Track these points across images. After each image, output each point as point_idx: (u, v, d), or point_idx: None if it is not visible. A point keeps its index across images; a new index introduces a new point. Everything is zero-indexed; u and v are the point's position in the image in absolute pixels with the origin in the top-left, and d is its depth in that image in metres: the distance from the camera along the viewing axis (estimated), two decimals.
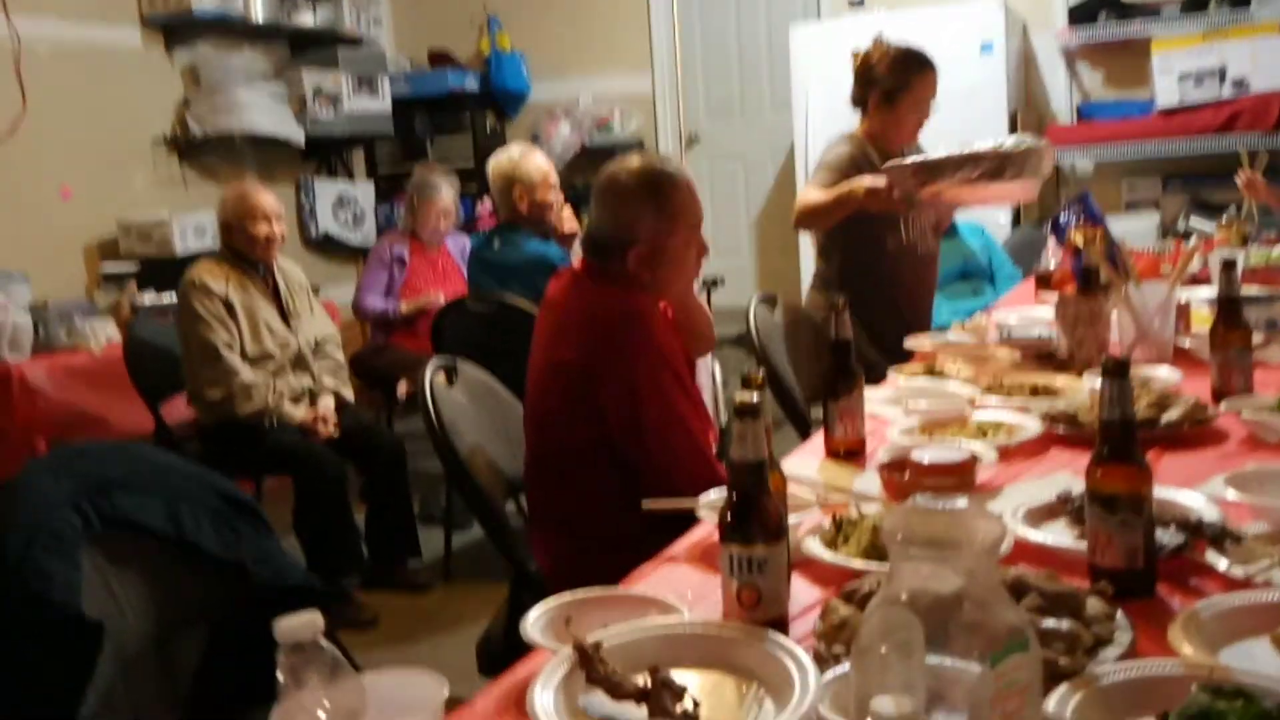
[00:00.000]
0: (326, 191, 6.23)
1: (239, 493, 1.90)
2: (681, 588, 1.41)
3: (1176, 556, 1.33)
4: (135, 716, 1.73)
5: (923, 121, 3.31)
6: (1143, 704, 1.01)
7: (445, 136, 6.61)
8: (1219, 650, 1.13)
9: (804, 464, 1.91)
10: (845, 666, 1.07)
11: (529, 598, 2.12)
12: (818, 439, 2.06)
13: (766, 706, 1.04)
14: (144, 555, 1.71)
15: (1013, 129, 5.61)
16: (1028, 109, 5.93)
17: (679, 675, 1.07)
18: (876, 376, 2.47)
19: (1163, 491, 1.47)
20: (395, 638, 3.49)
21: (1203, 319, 2.78)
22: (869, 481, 1.75)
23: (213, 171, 5.63)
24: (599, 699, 1.05)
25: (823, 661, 1.12)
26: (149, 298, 4.65)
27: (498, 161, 3.98)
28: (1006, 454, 1.85)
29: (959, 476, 0.80)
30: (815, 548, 1.45)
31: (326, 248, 6.28)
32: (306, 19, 5.96)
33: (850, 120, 3.37)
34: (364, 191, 6.44)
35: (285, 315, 3.76)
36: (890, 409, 2.20)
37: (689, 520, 1.63)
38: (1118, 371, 1.27)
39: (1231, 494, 1.49)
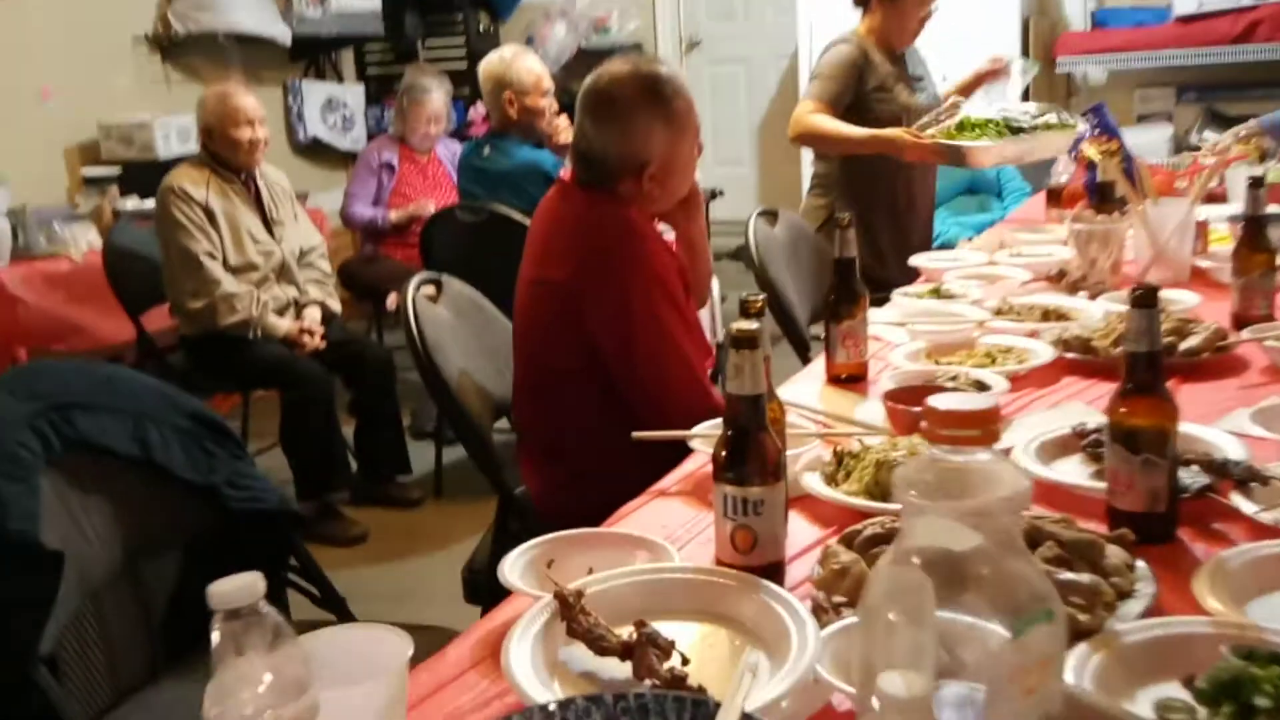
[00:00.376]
0: (315, 94, 6.04)
1: (210, 413, 1.81)
2: (673, 525, 1.33)
3: (1200, 498, 1.25)
4: (107, 644, 1.67)
5: (926, 20, 3.18)
6: (1168, 666, 0.94)
7: (437, 37, 6.40)
8: (1246, 603, 1.05)
9: (804, 390, 1.83)
10: (846, 620, 0.99)
11: (516, 524, 2.06)
12: (818, 363, 1.97)
13: (762, 663, 0.96)
14: (109, 478, 1.63)
15: (1024, 36, 5.42)
16: (1040, 15, 5.72)
17: (667, 627, 0.99)
18: (877, 293, 2.38)
19: (1183, 427, 1.38)
20: (384, 555, 3.45)
21: (1220, 238, 2.68)
22: (872, 410, 1.67)
23: (196, 72, 5.44)
24: (580, 653, 0.97)
25: (821, 612, 1.04)
26: (131, 203, 4.51)
27: (488, 64, 3.82)
28: (1016, 381, 1.77)
29: (981, 427, 0.70)
30: (814, 484, 1.37)
31: (315, 152, 6.11)
32: None
33: (854, 23, 3.23)
34: (354, 94, 6.26)
35: (269, 224, 3.64)
36: (894, 331, 2.11)
37: (683, 448, 1.55)
38: (1147, 301, 1.18)
39: (1258, 430, 1.40)
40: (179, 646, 1.74)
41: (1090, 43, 5.49)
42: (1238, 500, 1.24)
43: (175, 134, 4.83)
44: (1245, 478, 1.26)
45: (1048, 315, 2.14)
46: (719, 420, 1.40)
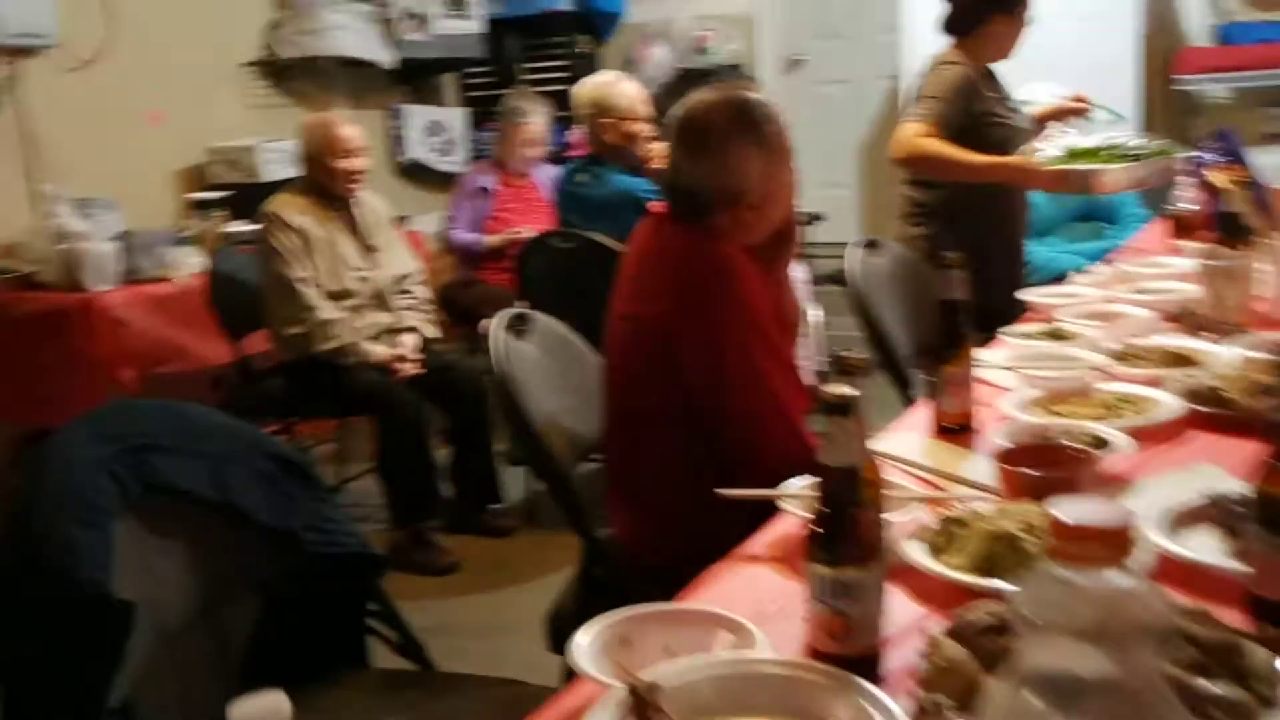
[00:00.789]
0: (417, 117, 6.08)
1: (290, 453, 1.78)
2: (761, 599, 1.23)
3: None
4: (184, 691, 1.64)
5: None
6: None
7: (538, 60, 6.40)
8: None
9: (906, 442, 1.71)
10: None
11: (600, 570, 1.99)
12: (921, 410, 1.86)
13: None
14: (187, 523, 1.60)
15: (1142, 52, 5.20)
16: (1159, 31, 5.48)
17: None
18: (984, 328, 2.26)
19: None
20: (474, 586, 3.41)
21: None
22: (981, 468, 1.55)
23: (301, 95, 5.51)
24: None
25: (925, 717, 0.94)
26: (236, 226, 4.57)
27: (585, 88, 3.78)
28: (1140, 436, 1.63)
29: (1114, 546, 0.60)
30: (917, 555, 1.26)
31: (416, 175, 6.15)
32: None
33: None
34: (455, 117, 6.29)
35: (366, 250, 3.64)
36: (1005, 375, 1.98)
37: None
38: None
39: None
40: (258, 690, 1.70)
41: (1213, 59, 5.23)
42: None
43: (279, 157, 4.89)
44: None
45: (1171, 359, 1.99)
46: (811, 477, 1.30)
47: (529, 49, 6.38)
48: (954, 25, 3.09)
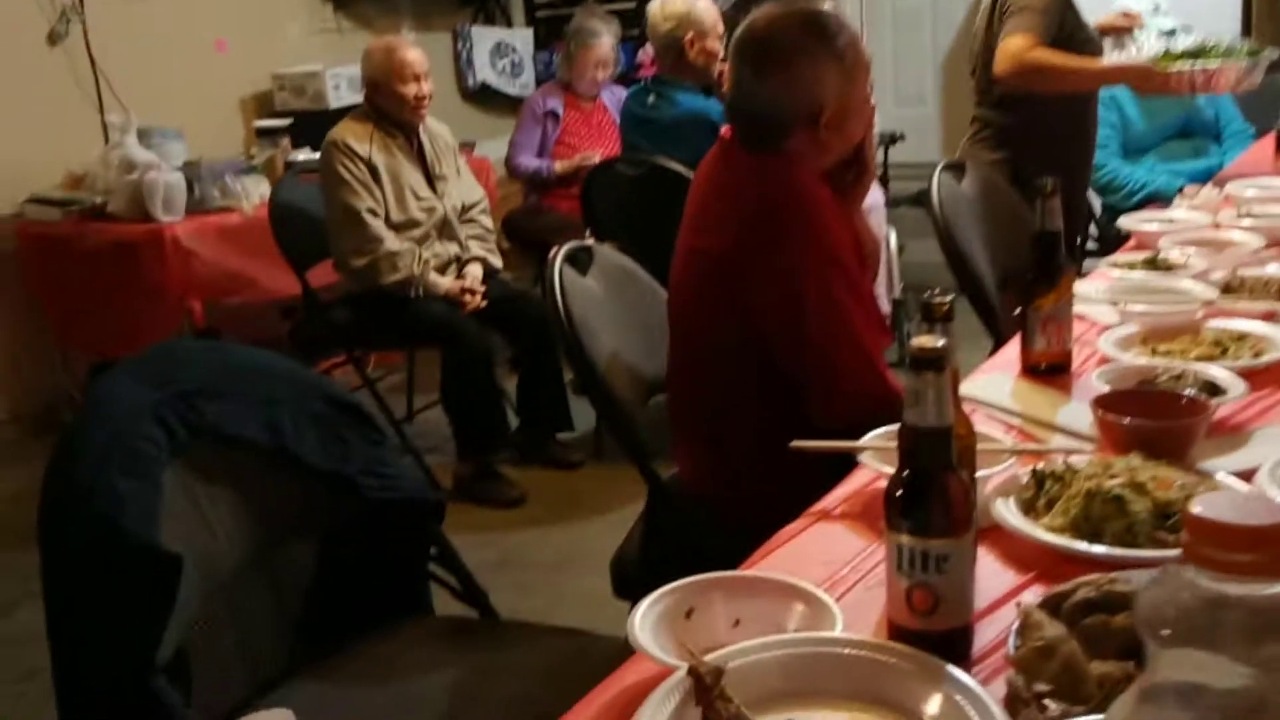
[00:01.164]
0: (484, 39, 5.95)
1: (344, 395, 1.72)
2: (836, 561, 1.14)
3: None
4: (242, 639, 1.60)
5: None
6: None
7: None
8: None
9: (994, 385, 1.59)
10: None
11: (667, 516, 1.91)
12: (1011, 349, 1.73)
13: None
14: (238, 469, 1.54)
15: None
16: None
17: (823, 717, 0.81)
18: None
19: None
20: (543, 518, 3.37)
21: None
22: (1078, 414, 1.43)
23: (367, 20, 5.42)
24: None
25: (1020, 704, 0.84)
26: (303, 155, 4.51)
27: (665, 4, 3.61)
28: (1253, 379, 1.49)
29: (1272, 553, 0.49)
30: (1009, 515, 1.15)
31: (484, 99, 6.04)
32: None
33: None
34: (523, 38, 6.14)
35: (431, 179, 3.56)
36: (1102, 310, 1.84)
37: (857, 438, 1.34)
38: None
39: None
40: (317, 639, 1.66)
41: None
42: None
43: (346, 83, 4.81)
44: None
45: None
46: (894, 427, 1.19)
47: None
48: None
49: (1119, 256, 2.17)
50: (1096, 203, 4.09)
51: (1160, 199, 3.53)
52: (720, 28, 3.59)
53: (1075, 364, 1.66)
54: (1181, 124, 4.02)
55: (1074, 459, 1.22)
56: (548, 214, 4.53)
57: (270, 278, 3.93)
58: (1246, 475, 1.20)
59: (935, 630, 0.93)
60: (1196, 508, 0.53)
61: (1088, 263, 3.96)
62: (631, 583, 1.88)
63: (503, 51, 6.00)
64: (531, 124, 4.63)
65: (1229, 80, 2.67)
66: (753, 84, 1.73)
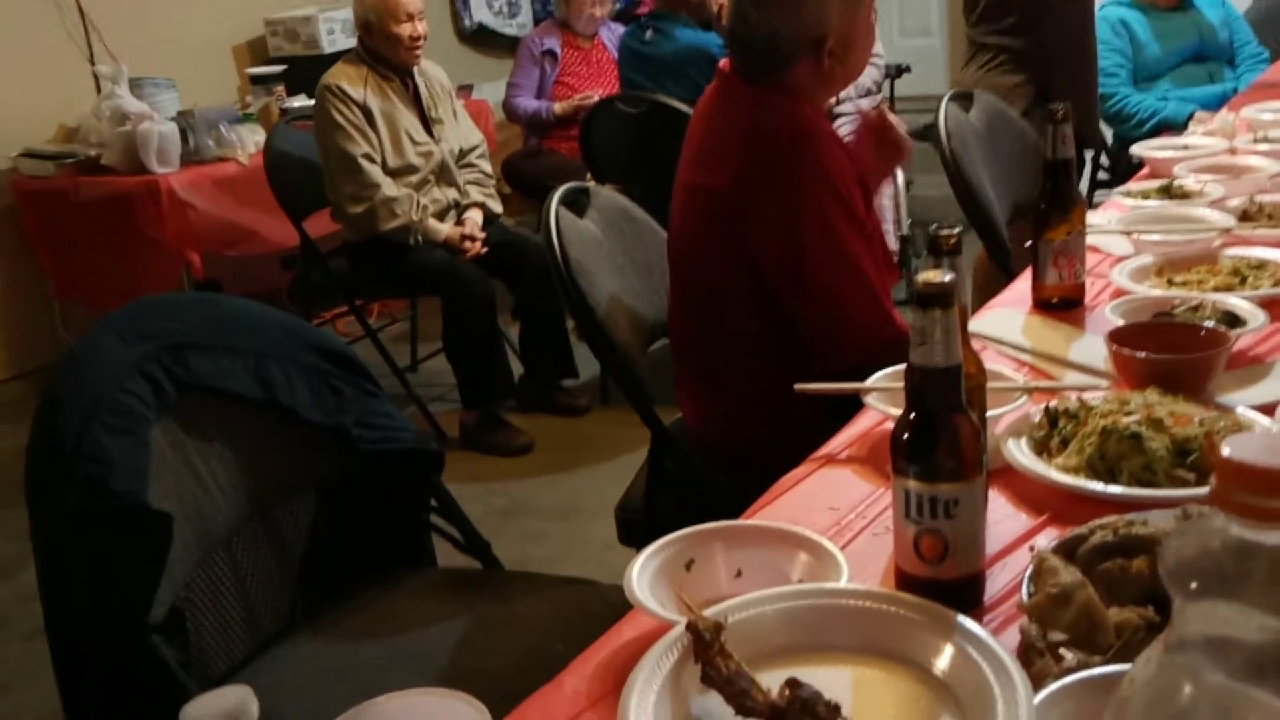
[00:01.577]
0: None
1: (339, 346, 1.67)
2: (841, 508, 1.10)
3: None
4: (242, 592, 1.58)
5: None
6: None
7: None
8: None
9: (1005, 320, 1.54)
10: (1069, 679, 0.75)
11: (671, 462, 1.87)
12: (1022, 283, 1.68)
13: None
14: (230, 423, 1.51)
15: None
16: None
17: (827, 675, 0.77)
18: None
19: None
20: (550, 466, 3.34)
21: None
22: (1091, 348, 1.38)
23: None
24: (719, 706, 0.77)
25: (1035, 654, 0.80)
26: (298, 102, 4.44)
27: None
28: (1274, 309, 1.44)
29: None
30: (1020, 455, 1.11)
31: (481, 40, 5.92)
32: None
33: None
34: None
35: (428, 123, 3.48)
36: (1115, 241, 1.79)
37: (862, 377, 1.29)
38: None
39: None
40: (318, 593, 1.64)
41: None
42: None
43: (340, 27, 4.72)
44: None
45: None
46: (900, 367, 1.15)
47: None
48: None
49: (1132, 185, 2.10)
50: (1107, 133, 4.00)
51: (1171, 127, 3.45)
52: None
53: (1088, 297, 1.61)
54: (1195, 48, 3.91)
55: (1088, 396, 1.18)
56: (548, 157, 4.45)
57: (269, 229, 3.88)
58: (1268, 409, 1.15)
59: (945, 578, 0.89)
60: (1227, 449, 0.49)
61: (1100, 193, 3.88)
62: (636, 530, 1.85)
63: None
64: (529, 65, 4.54)
65: None
66: (754, 11, 1.66)
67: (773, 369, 1.64)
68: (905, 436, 0.89)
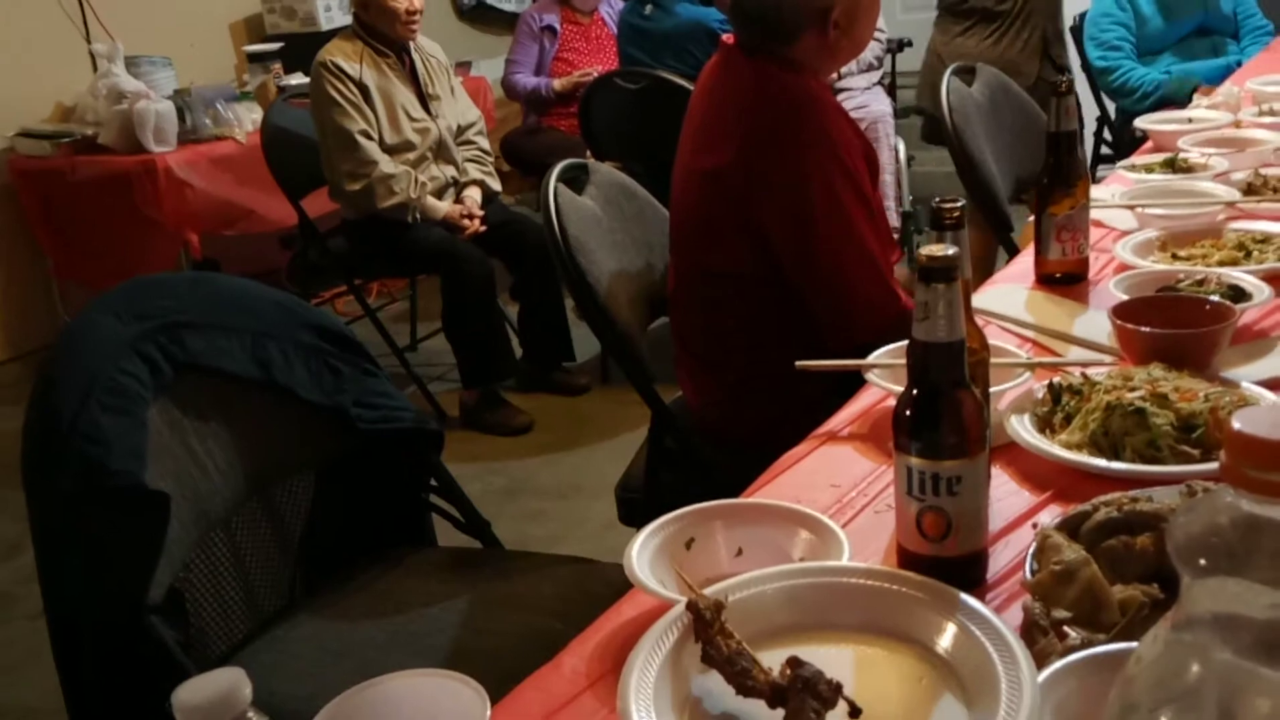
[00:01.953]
0: None
1: (337, 326, 1.66)
2: (843, 485, 1.09)
3: None
4: (242, 572, 1.57)
5: None
6: None
7: None
8: None
9: (1007, 296, 1.53)
10: (1074, 656, 0.74)
11: (672, 441, 1.86)
12: (1024, 258, 1.67)
13: (955, 713, 0.73)
14: (227, 403, 1.50)
15: None
16: None
17: (828, 654, 0.77)
18: None
19: None
20: (550, 445, 3.33)
21: None
22: (1094, 323, 1.37)
23: None
24: (720, 685, 0.76)
25: (1039, 632, 0.79)
26: (295, 79, 4.41)
27: None
28: (1277, 283, 1.43)
29: None
30: (1024, 431, 1.10)
31: (480, 16, 5.87)
32: None
33: None
34: None
35: (425, 100, 3.46)
36: (1119, 215, 1.77)
37: (866, 352, 1.28)
38: None
39: None
40: (318, 573, 1.64)
41: None
42: None
43: (337, 4, 4.69)
44: None
45: None
46: (902, 344, 1.14)
47: None
48: None
49: (1136, 159, 2.08)
50: (1110, 106, 3.98)
51: (1173, 102, 3.42)
52: None
53: (1092, 272, 1.59)
54: (1199, 21, 3.88)
55: (1092, 371, 1.17)
56: (548, 134, 4.43)
57: (268, 208, 3.86)
58: (1273, 384, 1.14)
59: (948, 556, 0.88)
60: (1236, 423, 0.48)
61: (1103, 167, 3.86)
62: (636, 509, 1.84)
63: None
64: (528, 41, 4.50)
65: None
66: None
67: (774, 350, 1.63)
68: (908, 413, 0.88)
